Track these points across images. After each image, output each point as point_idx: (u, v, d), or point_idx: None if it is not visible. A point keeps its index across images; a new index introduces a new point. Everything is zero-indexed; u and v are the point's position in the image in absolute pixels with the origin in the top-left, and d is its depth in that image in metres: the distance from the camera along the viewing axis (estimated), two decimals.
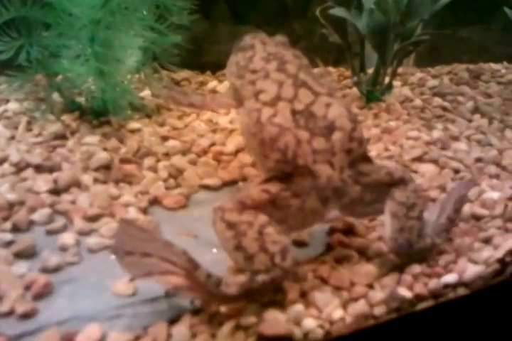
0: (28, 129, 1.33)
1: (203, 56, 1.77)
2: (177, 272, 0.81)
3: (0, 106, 1.42)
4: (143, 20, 1.21)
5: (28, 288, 0.86)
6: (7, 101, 1.44)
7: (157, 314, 0.83)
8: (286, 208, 0.90)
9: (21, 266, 0.91)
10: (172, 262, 0.81)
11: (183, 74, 1.68)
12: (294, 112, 0.94)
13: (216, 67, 1.76)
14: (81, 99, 1.43)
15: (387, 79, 1.54)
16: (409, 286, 0.91)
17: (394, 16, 1.30)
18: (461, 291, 0.94)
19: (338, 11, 1.32)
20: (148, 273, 0.80)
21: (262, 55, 1.07)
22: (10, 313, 0.82)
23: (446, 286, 0.93)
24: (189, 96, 1.24)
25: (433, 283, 0.92)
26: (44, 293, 0.86)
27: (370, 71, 1.58)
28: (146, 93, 1.54)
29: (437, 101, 1.59)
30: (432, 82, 1.74)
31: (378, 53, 1.39)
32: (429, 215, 1.03)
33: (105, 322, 0.81)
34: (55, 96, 1.42)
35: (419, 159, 1.26)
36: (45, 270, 0.91)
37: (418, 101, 1.58)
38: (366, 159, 0.96)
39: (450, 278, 0.93)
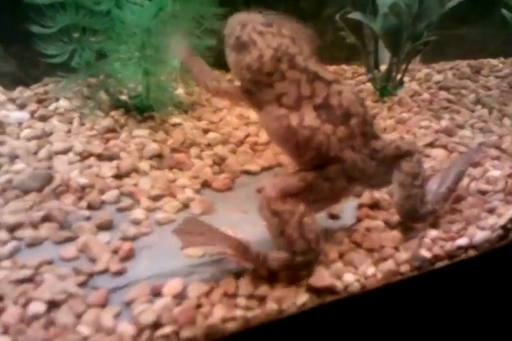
0: (81, 124, 1.53)
1: (224, 57, 1.97)
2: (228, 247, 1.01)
3: (51, 104, 1.62)
4: (187, 26, 1.43)
5: (114, 252, 1.07)
6: (57, 99, 1.64)
7: (224, 271, 1.04)
8: (320, 191, 1.07)
9: (105, 236, 1.12)
10: (225, 243, 1.01)
11: None
12: (315, 107, 1.07)
13: None
14: (124, 97, 1.64)
15: (398, 76, 1.76)
16: (429, 248, 1.12)
17: (406, 19, 1.53)
18: (471, 253, 1.16)
19: (356, 15, 1.54)
20: (197, 243, 1.01)
21: (270, 54, 1.08)
22: (105, 271, 1.02)
23: (459, 248, 1.14)
24: (205, 76, 1.21)
25: (448, 246, 1.13)
26: (129, 256, 1.06)
27: (382, 68, 1.80)
28: (180, 91, 1.76)
29: (443, 94, 1.82)
30: (437, 77, 1.97)
31: (392, 52, 1.62)
32: (431, 185, 1.23)
33: (183, 278, 1.02)
34: (101, 94, 1.63)
35: (430, 145, 1.48)
36: (125, 238, 1.11)
37: (426, 95, 1.81)
38: (376, 137, 1.13)
39: (462, 241, 1.14)
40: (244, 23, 1.12)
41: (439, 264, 1.13)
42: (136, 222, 1.16)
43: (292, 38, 1.11)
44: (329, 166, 1.07)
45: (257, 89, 1.11)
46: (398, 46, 1.59)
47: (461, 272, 1.17)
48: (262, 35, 1.10)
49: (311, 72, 1.08)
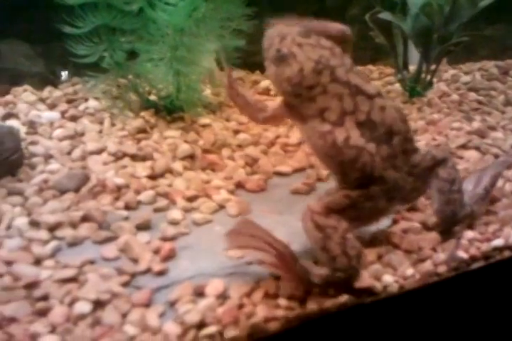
0: (112, 124, 1.56)
1: (251, 57, 2.00)
2: (271, 253, 1.02)
3: (81, 104, 1.65)
4: (219, 27, 1.45)
5: (155, 252, 1.09)
6: (86, 99, 1.67)
7: (264, 272, 1.05)
8: (361, 209, 1.08)
9: (144, 236, 1.14)
10: (274, 248, 1.02)
11: (237, 73, 1.92)
12: (358, 124, 1.06)
13: (264, 67, 2.00)
14: (153, 98, 1.66)
15: (427, 77, 1.77)
16: (465, 249, 1.14)
17: (438, 19, 1.55)
18: (507, 253, 1.17)
19: (386, 15, 1.56)
20: (244, 246, 1.03)
21: (311, 66, 1.07)
22: (147, 271, 1.04)
23: (495, 249, 1.16)
24: (251, 110, 1.22)
25: (484, 247, 1.15)
26: (170, 256, 1.08)
27: (411, 68, 1.82)
28: (207, 92, 1.78)
29: (472, 95, 1.85)
30: (465, 78, 1.99)
31: (422, 53, 1.63)
32: (466, 185, 1.25)
33: (224, 278, 1.04)
34: (130, 94, 1.64)
35: (463, 147, 1.50)
36: (165, 239, 1.13)
37: (455, 96, 1.83)
38: (414, 151, 1.13)
39: (498, 242, 1.16)
40: (283, 35, 1.11)
41: (475, 265, 1.15)
42: (174, 223, 1.18)
43: (331, 48, 1.10)
44: (372, 186, 1.08)
45: (299, 102, 1.10)
46: (428, 47, 1.61)
47: (495, 272, 1.18)
48: (302, 47, 1.09)
49: (353, 86, 1.08)
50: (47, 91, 1.71)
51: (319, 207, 1.05)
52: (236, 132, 1.55)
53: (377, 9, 1.59)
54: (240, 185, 1.35)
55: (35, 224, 1.15)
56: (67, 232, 1.13)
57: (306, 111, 1.09)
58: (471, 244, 1.16)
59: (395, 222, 1.23)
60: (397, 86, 1.83)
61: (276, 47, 1.10)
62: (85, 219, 1.17)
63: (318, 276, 1.02)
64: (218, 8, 1.45)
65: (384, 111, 1.08)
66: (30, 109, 1.60)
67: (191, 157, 1.42)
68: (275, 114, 1.19)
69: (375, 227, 1.22)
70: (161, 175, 1.34)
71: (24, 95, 1.67)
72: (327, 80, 1.07)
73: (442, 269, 1.11)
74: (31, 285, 1.00)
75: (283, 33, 1.12)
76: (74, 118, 1.57)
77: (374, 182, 1.08)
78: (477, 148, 1.51)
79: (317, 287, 1.04)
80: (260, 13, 1.89)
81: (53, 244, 1.10)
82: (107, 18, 1.50)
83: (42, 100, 1.66)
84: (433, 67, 1.73)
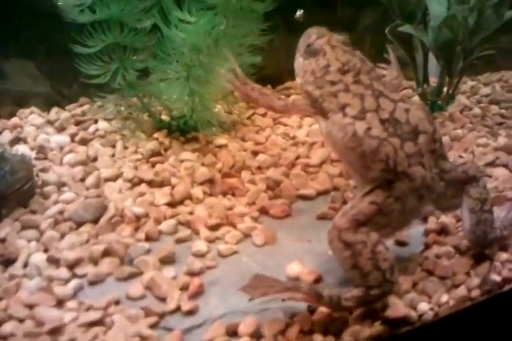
0: (124, 147, 1.53)
1: (262, 70, 1.98)
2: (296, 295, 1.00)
3: (90, 126, 1.62)
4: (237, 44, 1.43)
5: (183, 289, 1.07)
6: (95, 121, 1.65)
7: (297, 306, 1.03)
8: (391, 213, 1.06)
9: (170, 271, 1.12)
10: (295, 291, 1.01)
11: None
12: (381, 121, 1.07)
13: (275, 81, 1.98)
14: (166, 118, 1.63)
15: (449, 90, 1.75)
16: (499, 272, 1.13)
17: (462, 32, 1.53)
18: None
19: (407, 28, 1.54)
20: (265, 293, 1.00)
21: (337, 66, 1.13)
22: (176, 310, 1.02)
23: None
24: (270, 98, 1.21)
25: None
26: (199, 293, 1.06)
27: (431, 81, 1.80)
28: (219, 110, 1.74)
29: (494, 108, 1.83)
30: (485, 90, 1.98)
31: (444, 66, 1.61)
32: (500, 211, 1.24)
33: (257, 315, 1.01)
34: (141, 115, 1.62)
35: (491, 164, 1.48)
36: (192, 273, 1.11)
37: (477, 110, 1.82)
38: (444, 157, 1.14)
39: None
40: (321, 35, 1.19)
41: (507, 287, 1.13)
42: (200, 255, 1.16)
43: (362, 59, 1.16)
44: (398, 183, 1.06)
45: (320, 95, 1.13)
46: (451, 60, 1.59)
47: None
48: (334, 49, 1.17)
49: (375, 90, 1.11)
50: (54, 113, 1.68)
51: (346, 221, 1.03)
52: (254, 153, 1.52)
53: (397, 22, 1.57)
54: (263, 211, 1.32)
55: (53, 261, 1.13)
56: (88, 269, 1.11)
57: (328, 105, 1.12)
58: (504, 266, 1.15)
59: (427, 246, 1.22)
60: (415, 99, 1.81)
61: (310, 42, 1.19)
62: (106, 253, 1.15)
63: (351, 298, 1.01)
64: (238, 26, 1.42)
65: (408, 112, 1.10)
66: (38, 132, 1.58)
67: (210, 181, 1.39)
68: (296, 104, 1.20)
69: (408, 252, 1.21)
70: (181, 202, 1.32)
71: (31, 117, 1.64)
72: (350, 81, 1.12)
73: (476, 293, 1.10)
74: (55, 331, 0.98)
75: (321, 33, 1.21)
76: (84, 142, 1.54)
77: (399, 178, 1.05)
78: (505, 166, 1.48)
79: (353, 310, 1.03)
80: (273, 28, 1.87)
81: (74, 282, 1.08)
82: (119, 37, 1.48)
83: (50, 122, 1.63)
84: (455, 80, 1.71)
